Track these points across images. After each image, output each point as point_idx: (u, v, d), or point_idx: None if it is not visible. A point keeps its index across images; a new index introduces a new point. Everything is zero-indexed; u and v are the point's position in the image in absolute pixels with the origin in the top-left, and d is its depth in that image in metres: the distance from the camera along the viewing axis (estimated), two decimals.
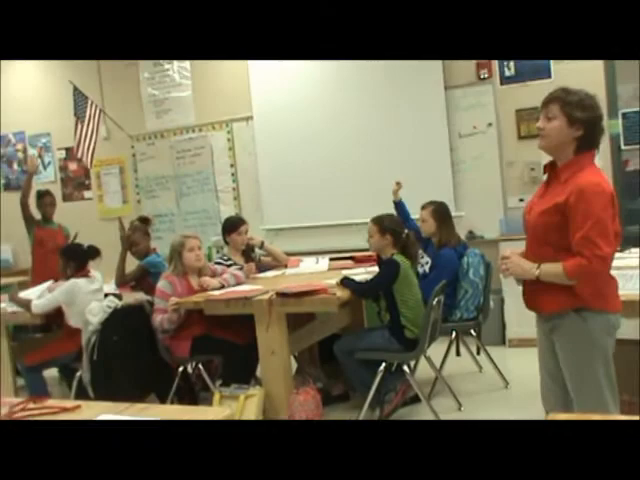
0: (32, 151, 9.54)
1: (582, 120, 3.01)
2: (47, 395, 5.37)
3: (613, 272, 3.15)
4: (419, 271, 5.41)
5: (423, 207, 5.54)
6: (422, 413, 4.81)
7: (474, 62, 6.89)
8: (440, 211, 5.50)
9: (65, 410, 2.55)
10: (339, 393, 5.38)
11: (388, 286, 4.69)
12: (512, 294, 5.53)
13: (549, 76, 6.54)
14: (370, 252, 4.95)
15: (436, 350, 5.24)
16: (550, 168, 3.18)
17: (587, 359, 3.09)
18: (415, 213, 5.77)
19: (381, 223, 4.77)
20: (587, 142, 3.05)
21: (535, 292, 3.17)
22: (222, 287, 5.19)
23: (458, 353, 5.58)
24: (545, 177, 3.24)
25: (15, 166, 9.79)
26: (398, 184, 5.91)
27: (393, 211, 5.26)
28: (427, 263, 5.43)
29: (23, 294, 5.64)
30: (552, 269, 3.03)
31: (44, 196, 7.19)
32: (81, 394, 5.11)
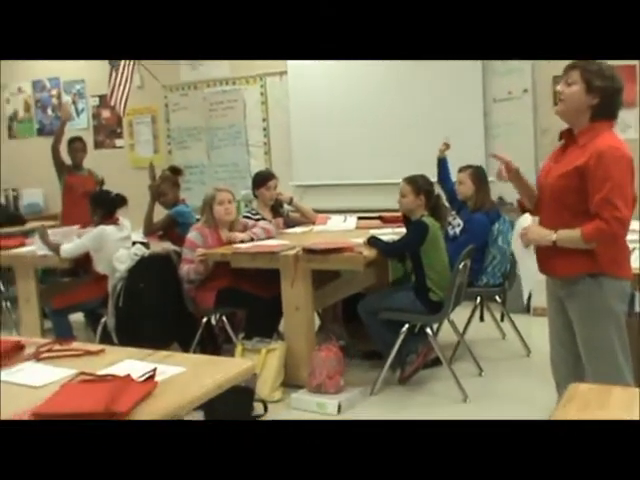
0: (67, 98, 9.58)
1: (600, 88, 3.03)
2: (73, 339, 5.45)
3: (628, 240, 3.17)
4: (450, 233, 5.39)
5: (461, 170, 5.49)
6: (443, 376, 4.82)
7: None
8: (478, 175, 5.45)
9: (89, 353, 2.60)
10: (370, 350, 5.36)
11: (416, 247, 4.68)
12: None
13: None
14: (399, 212, 4.91)
15: (460, 314, 5.24)
16: (567, 135, 3.20)
17: (602, 325, 3.10)
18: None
19: (415, 183, 4.74)
20: (603, 111, 3.07)
21: (550, 256, 3.18)
22: (252, 240, 5.20)
23: (482, 319, 5.58)
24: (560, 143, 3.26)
25: (49, 112, 9.84)
26: (446, 144, 5.85)
27: (424, 172, 5.20)
28: (459, 226, 5.39)
29: (51, 232, 5.66)
30: (569, 234, 3.06)
31: (75, 142, 7.22)
32: (105, 339, 5.16)
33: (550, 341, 3.42)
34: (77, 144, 7.19)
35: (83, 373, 2.29)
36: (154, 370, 2.22)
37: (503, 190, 5.74)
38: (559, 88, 3.14)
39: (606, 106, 3.07)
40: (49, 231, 5.69)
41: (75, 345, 2.72)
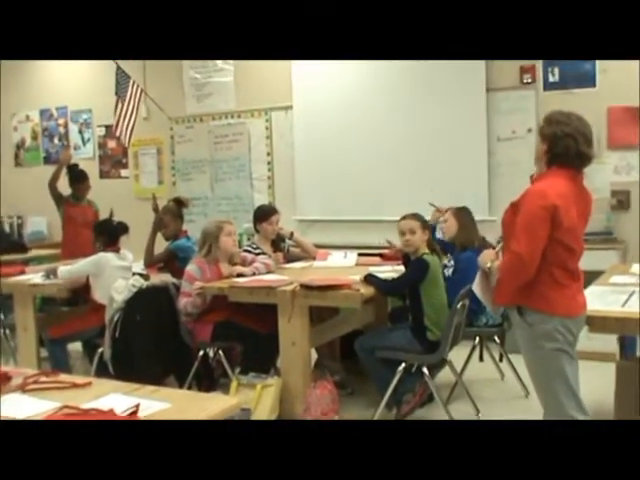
0: (73, 127, 9.64)
1: (546, 135, 3.22)
2: (68, 368, 5.44)
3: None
4: (445, 274, 5.36)
5: (446, 210, 5.48)
6: (439, 416, 4.76)
7: (518, 66, 6.78)
8: (462, 213, 5.46)
9: (76, 386, 2.57)
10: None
11: (415, 284, 4.65)
12: None
13: (593, 85, 6.41)
14: (406, 249, 4.85)
15: (459, 354, 5.20)
16: None
17: (537, 365, 3.26)
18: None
19: (421, 219, 4.75)
20: (553, 156, 3.21)
21: (495, 285, 3.37)
22: (253, 274, 5.19)
23: (481, 359, 5.53)
24: None
25: (56, 140, 9.89)
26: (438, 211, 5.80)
27: (423, 211, 5.19)
28: (452, 266, 5.37)
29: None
30: (496, 263, 3.30)
31: (82, 181, 7.27)
32: (102, 370, 5.13)
33: None
34: (85, 183, 7.28)
35: (67, 406, 2.27)
36: (137, 405, 2.20)
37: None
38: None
39: (553, 151, 3.20)
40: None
41: (62, 377, 2.70)
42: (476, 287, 3.49)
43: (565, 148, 3.16)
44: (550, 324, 3.16)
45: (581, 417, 3.18)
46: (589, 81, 6.48)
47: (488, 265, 3.33)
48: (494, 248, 3.59)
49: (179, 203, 6.17)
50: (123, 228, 5.60)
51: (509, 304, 3.31)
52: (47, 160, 9.93)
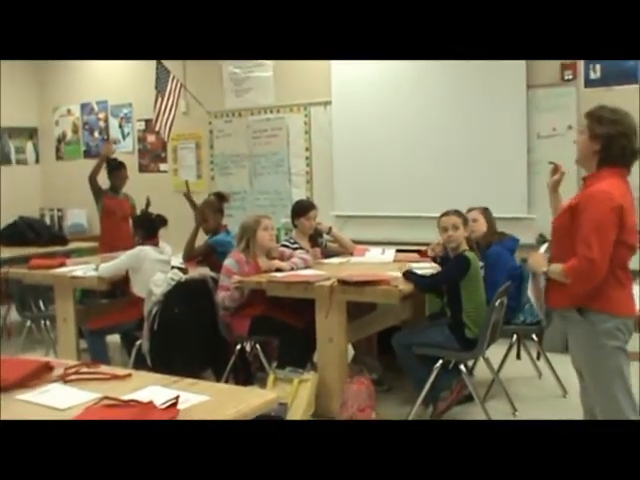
0: (114, 122, 9.72)
1: (600, 135, 3.15)
2: (107, 360, 5.49)
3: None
4: None
5: (471, 209, 5.38)
6: (475, 414, 4.74)
7: (559, 63, 6.69)
8: (487, 212, 5.43)
9: (116, 377, 2.60)
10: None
11: (454, 281, 4.63)
12: None
13: (636, 81, 6.31)
14: (449, 245, 4.79)
15: (496, 352, 5.16)
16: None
17: (594, 360, 3.21)
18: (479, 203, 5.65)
19: (463, 216, 4.74)
20: (607, 157, 3.17)
21: (548, 287, 3.34)
22: (292, 270, 5.20)
23: (518, 357, 5.49)
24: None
25: (96, 134, 9.98)
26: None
27: (460, 208, 5.15)
28: (482, 267, 5.29)
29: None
30: (556, 267, 3.22)
31: (120, 169, 7.35)
32: (140, 362, 5.17)
33: (577, 376, 3.49)
34: (122, 172, 7.34)
35: (107, 397, 2.29)
36: (177, 397, 2.22)
37: (544, 228, 5.62)
38: (576, 138, 3.36)
39: (608, 152, 3.15)
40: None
41: (102, 368, 2.73)
42: (530, 292, 3.48)
43: (621, 148, 3.13)
44: (612, 322, 3.13)
45: (633, 417, 3.15)
46: (631, 77, 6.38)
47: (544, 269, 3.27)
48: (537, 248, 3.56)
49: (220, 197, 6.17)
50: (161, 221, 5.65)
51: (570, 307, 3.22)
52: (87, 154, 10.03)
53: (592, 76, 6.64)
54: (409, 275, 4.72)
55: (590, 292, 3.13)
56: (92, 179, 7.23)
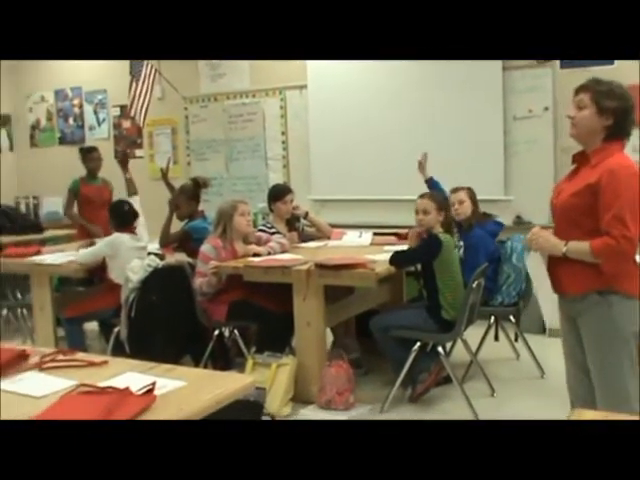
0: (88, 107, 9.64)
1: (612, 109, 3.06)
2: (85, 347, 5.47)
3: None
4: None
5: (457, 190, 5.39)
6: (454, 396, 4.77)
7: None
8: (473, 193, 5.42)
9: (92, 364, 2.58)
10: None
11: (425, 260, 4.65)
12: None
13: (611, 62, 6.34)
14: (419, 229, 4.82)
15: (474, 334, 5.19)
16: (579, 157, 3.23)
17: (611, 348, 3.08)
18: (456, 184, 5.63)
19: (437, 200, 4.72)
20: (617, 131, 3.09)
21: (560, 273, 3.18)
22: (269, 254, 5.19)
23: (496, 338, 5.53)
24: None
25: (71, 121, 9.89)
26: (422, 160, 5.86)
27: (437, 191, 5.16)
28: (461, 247, 5.32)
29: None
30: (579, 246, 3.04)
31: (91, 152, 7.29)
32: (118, 349, 5.15)
33: (565, 362, 3.39)
34: (94, 154, 7.25)
35: (83, 384, 2.28)
36: (154, 384, 2.21)
37: (521, 209, 5.68)
38: (570, 113, 3.21)
39: (619, 126, 3.08)
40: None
41: (79, 355, 2.71)
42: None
43: (632, 122, 3.09)
44: (632, 305, 3.03)
45: (637, 407, 3.03)
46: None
47: (563, 250, 3.07)
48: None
49: (197, 184, 6.06)
50: (134, 214, 5.60)
51: (592, 291, 3.07)
52: (62, 141, 9.95)
53: None
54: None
55: (619, 272, 3.03)
56: (68, 215, 7.33)
